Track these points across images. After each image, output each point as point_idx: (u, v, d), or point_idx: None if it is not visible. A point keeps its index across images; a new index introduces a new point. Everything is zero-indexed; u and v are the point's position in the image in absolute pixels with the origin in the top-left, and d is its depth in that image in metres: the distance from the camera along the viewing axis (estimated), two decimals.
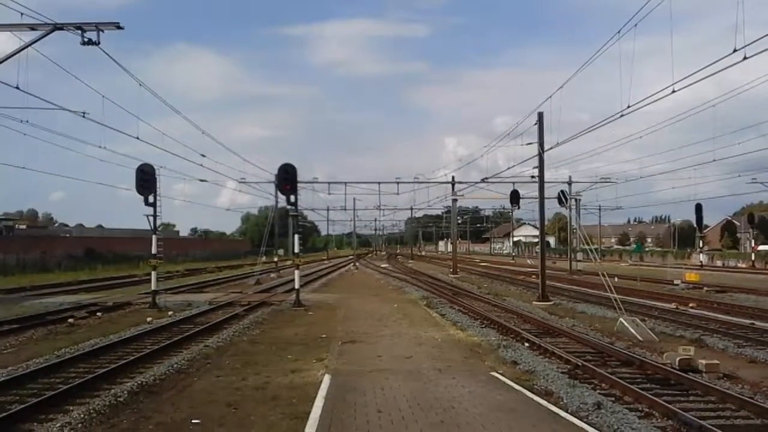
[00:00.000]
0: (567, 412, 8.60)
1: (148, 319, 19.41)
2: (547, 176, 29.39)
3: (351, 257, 79.64)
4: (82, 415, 8.43)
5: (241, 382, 10.69)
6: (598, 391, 10.32)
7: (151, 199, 23.00)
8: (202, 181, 43.80)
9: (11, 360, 12.89)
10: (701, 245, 59.64)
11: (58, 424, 7.97)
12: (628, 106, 17.15)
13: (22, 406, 8.95)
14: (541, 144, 26.36)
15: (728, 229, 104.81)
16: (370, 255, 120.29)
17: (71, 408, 9.01)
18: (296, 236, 26.11)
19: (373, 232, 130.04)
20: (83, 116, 21.09)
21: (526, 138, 27.92)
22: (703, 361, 11.78)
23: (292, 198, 23.97)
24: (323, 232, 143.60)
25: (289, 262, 46.99)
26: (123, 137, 24.13)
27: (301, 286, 25.47)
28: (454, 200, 50.70)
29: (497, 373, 11.08)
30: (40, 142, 50.08)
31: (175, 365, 12.17)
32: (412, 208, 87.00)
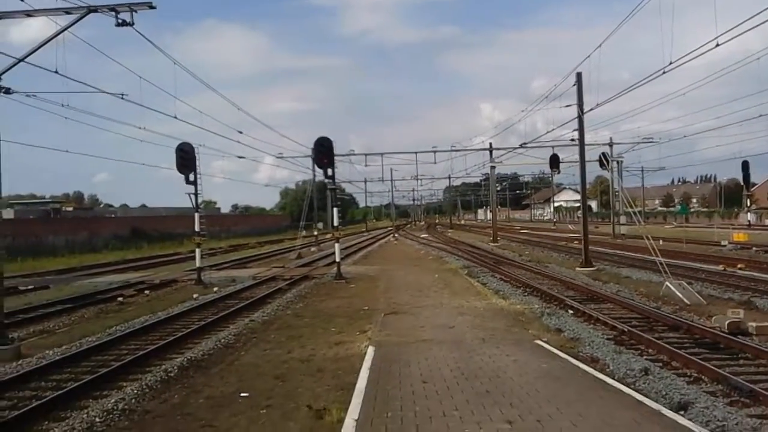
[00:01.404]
0: (613, 378, 8.52)
1: (195, 295, 19.83)
2: (588, 138, 28.87)
3: (390, 228, 79.79)
4: (135, 391, 8.69)
5: (287, 355, 10.86)
6: (644, 357, 10.20)
7: (191, 177, 23.34)
8: (240, 157, 44.22)
9: (65, 339, 13.31)
10: (749, 204, 58.08)
11: (113, 400, 8.22)
12: (671, 63, 16.62)
13: (77, 383, 9.24)
14: (580, 105, 25.82)
15: None
16: (409, 225, 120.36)
17: (124, 384, 9.30)
18: (335, 209, 26.27)
19: (412, 202, 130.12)
20: (122, 98, 21.36)
21: (564, 100, 27.41)
22: (754, 324, 11.53)
23: (330, 171, 24.04)
24: (361, 204, 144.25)
25: (328, 235, 47.38)
26: (161, 117, 24.48)
27: (342, 258, 25.65)
28: (492, 167, 50.27)
29: (541, 341, 11.00)
30: (82, 125, 51.03)
31: (223, 340, 12.43)
32: (449, 177, 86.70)
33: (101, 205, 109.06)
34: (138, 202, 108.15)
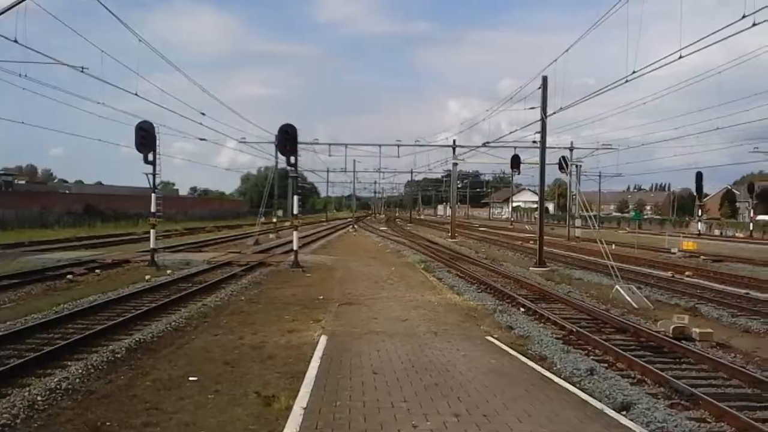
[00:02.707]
0: (560, 377, 8.69)
1: (147, 277, 19.50)
2: (549, 141, 29.36)
3: (350, 219, 79.73)
4: (80, 371, 8.51)
5: (239, 341, 10.77)
6: (591, 357, 10.43)
7: (150, 157, 22.91)
8: (201, 140, 43.72)
9: (10, 315, 12.95)
10: (700, 214, 59.66)
11: (56, 379, 8.04)
12: (633, 72, 16.98)
13: (20, 360, 9.02)
14: (544, 109, 26.16)
15: (728, 198, 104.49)
16: (369, 218, 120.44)
17: (69, 363, 9.09)
18: (295, 197, 26.04)
19: (373, 194, 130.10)
20: (82, 71, 20.90)
21: (530, 102, 27.75)
22: (697, 330, 11.87)
23: (292, 159, 23.86)
24: (323, 194, 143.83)
25: (287, 223, 47.08)
26: (122, 93, 24.01)
27: (300, 247, 25.54)
28: (455, 164, 50.54)
29: (492, 337, 11.16)
30: (39, 97, 49.63)
31: (173, 323, 12.26)
32: (412, 172, 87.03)
33: (55, 180, 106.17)
34: (93, 180, 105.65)
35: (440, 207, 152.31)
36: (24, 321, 12.10)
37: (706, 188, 67.46)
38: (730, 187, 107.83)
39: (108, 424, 6.62)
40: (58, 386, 7.79)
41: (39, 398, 7.33)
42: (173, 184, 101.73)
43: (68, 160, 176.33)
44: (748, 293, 18.01)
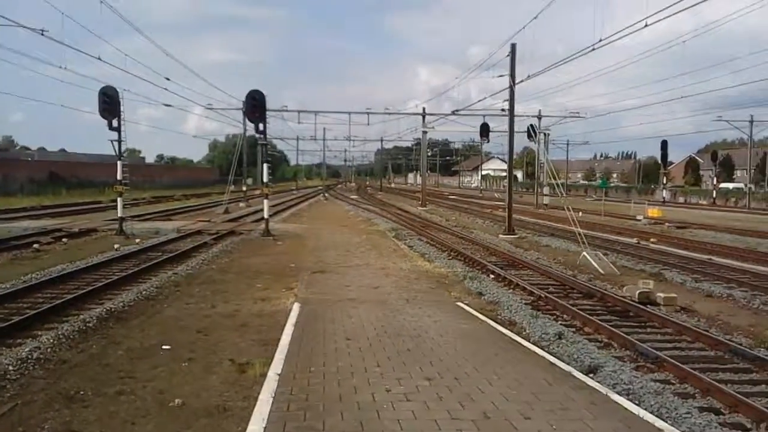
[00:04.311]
0: (529, 341, 8.88)
1: (116, 245, 19.29)
2: (518, 110, 29.45)
3: (320, 188, 79.42)
4: (51, 340, 8.43)
5: (211, 310, 10.77)
6: (559, 322, 10.66)
7: (115, 123, 22.48)
8: (167, 105, 42.98)
9: None
10: (665, 182, 60.77)
11: (27, 349, 7.96)
12: (600, 40, 17.13)
13: None
14: (512, 76, 26.22)
15: (692, 166, 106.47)
16: (339, 186, 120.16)
17: (40, 333, 9.00)
18: (265, 165, 25.80)
19: (343, 163, 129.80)
20: (42, 34, 20.32)
21: (498, 70, 27.84)
22: (662, 295, 12.19)
23: (261, 126, 23.57)
24: (292, 162, 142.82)
25: (257, 192, 46.78)
26: (85, 57, 23.53)
27: (270, 215, 25.43)
28: (424, 132, 50.44)
29: (463, 303, 11.32)
30: None
31: (144, 292, 12.18)
32: (382, 140, 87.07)
33: (17, 147, 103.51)
34: (57, 146, 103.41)
35: (411, 175, 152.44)
36: None
37: (671, 156, 68.72)
38: (694, 156, 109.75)
39: (82, 392, 6.60)
40: (29, 356, 7.72)
41: (11, 368, 7.26)
42: (139, 152, 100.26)
43: (29, 126, 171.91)
44: (711, 259, 18.49)
